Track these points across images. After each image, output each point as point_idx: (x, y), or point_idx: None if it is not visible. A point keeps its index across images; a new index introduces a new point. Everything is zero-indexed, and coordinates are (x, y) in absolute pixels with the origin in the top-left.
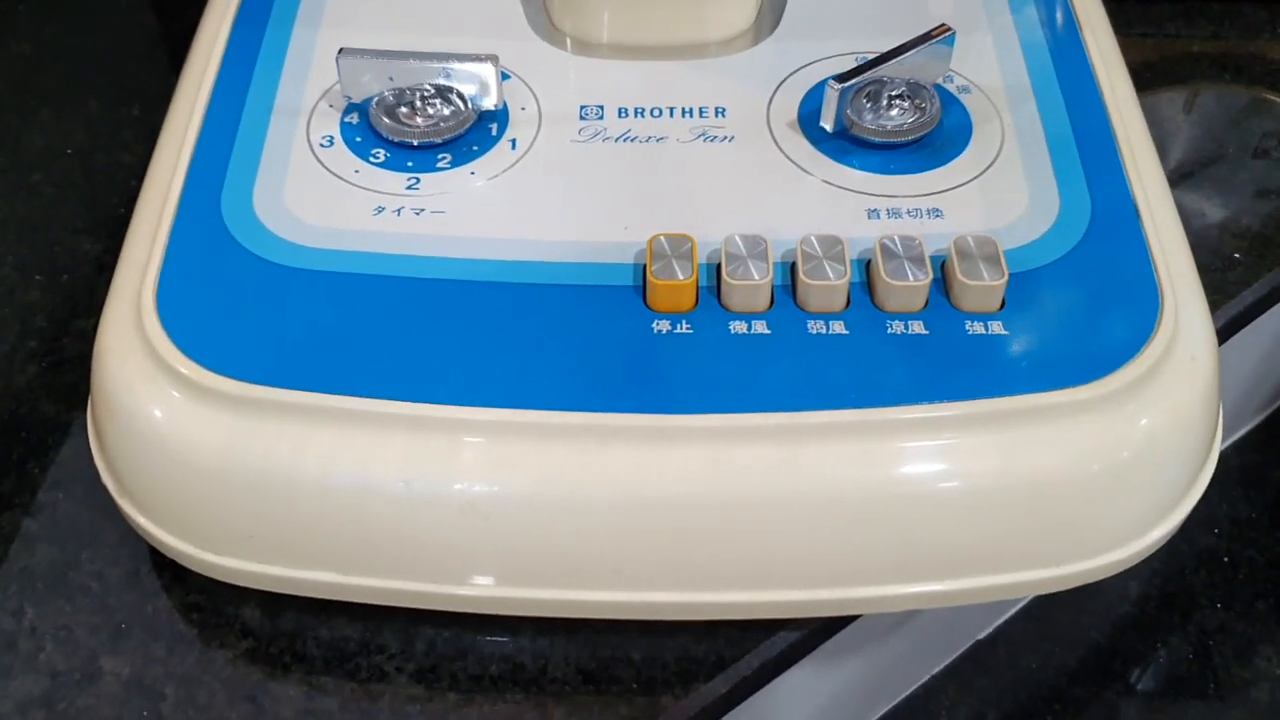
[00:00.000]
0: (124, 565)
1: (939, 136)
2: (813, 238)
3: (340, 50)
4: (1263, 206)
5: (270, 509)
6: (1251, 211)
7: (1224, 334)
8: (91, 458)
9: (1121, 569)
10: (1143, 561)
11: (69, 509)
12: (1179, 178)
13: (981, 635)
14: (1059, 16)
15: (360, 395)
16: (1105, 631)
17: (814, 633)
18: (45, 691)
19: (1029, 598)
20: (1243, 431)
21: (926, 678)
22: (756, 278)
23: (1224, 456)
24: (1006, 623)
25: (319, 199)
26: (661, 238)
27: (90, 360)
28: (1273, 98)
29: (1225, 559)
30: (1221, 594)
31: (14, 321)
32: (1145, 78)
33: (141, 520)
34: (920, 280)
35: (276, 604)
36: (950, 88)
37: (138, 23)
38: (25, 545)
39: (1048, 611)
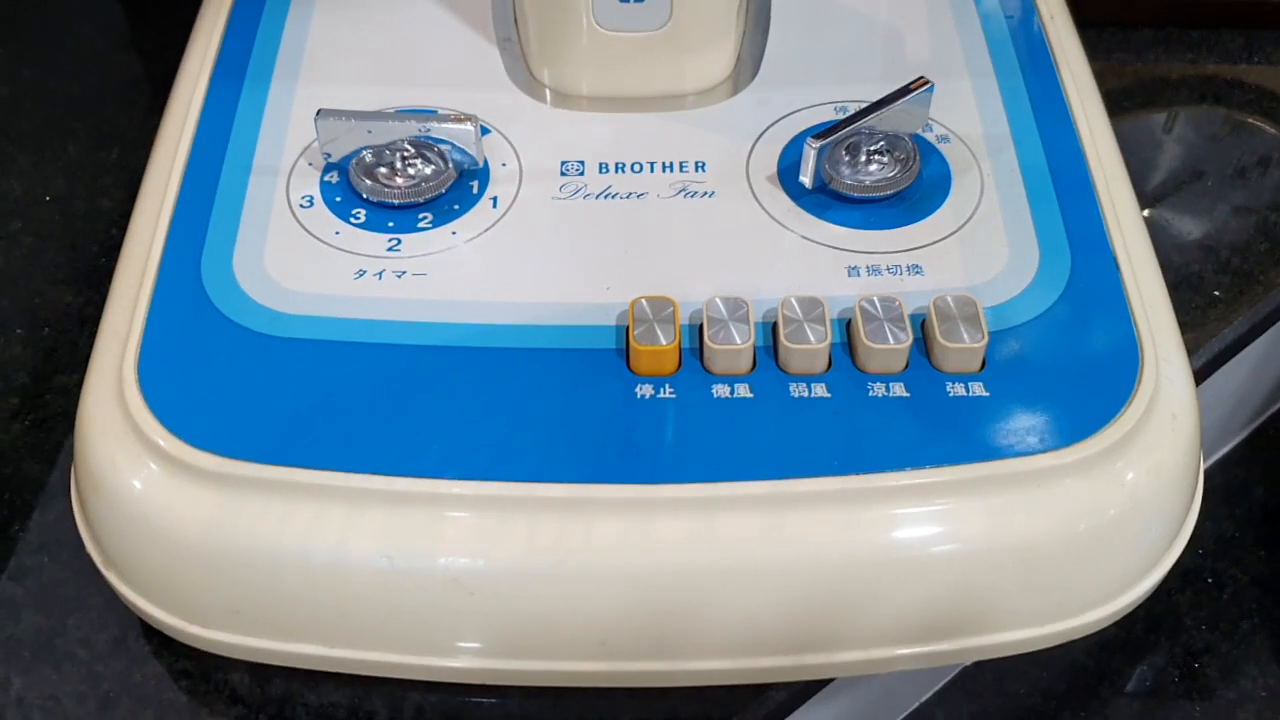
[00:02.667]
0: (111, 631)
1: (918, 189)
2: (793, 300)
3: (318, 111)
4: (1242, 233)
5: (254, 584)
6: (1234, 236)
7: (1205, 371)
8: (74, 523)
9: (1105, 625)
10: None
11: (55, 573)
12: (1159, 202)
13: (968, 662)
14: (1037, 58)
15: (342, 470)
16: (1091, 654)
17: (800, 692)
18: None
19: None
20: (1226, 449)
21: (915, 705)
22: (738, 342)
23: (1208, 474)
24: None
25: (299, 262)
26: (643, 301)
27: (74, 417)
28: (1252, 122)
29: (1209, 579)
30: (1206, 614)
31: None
32: (1125, 104)
33: (127, 592)
34: (901, 343)
35: (265, 670)
36: (929, 137)
37: (116, 64)
38: (11, 612)
39: None
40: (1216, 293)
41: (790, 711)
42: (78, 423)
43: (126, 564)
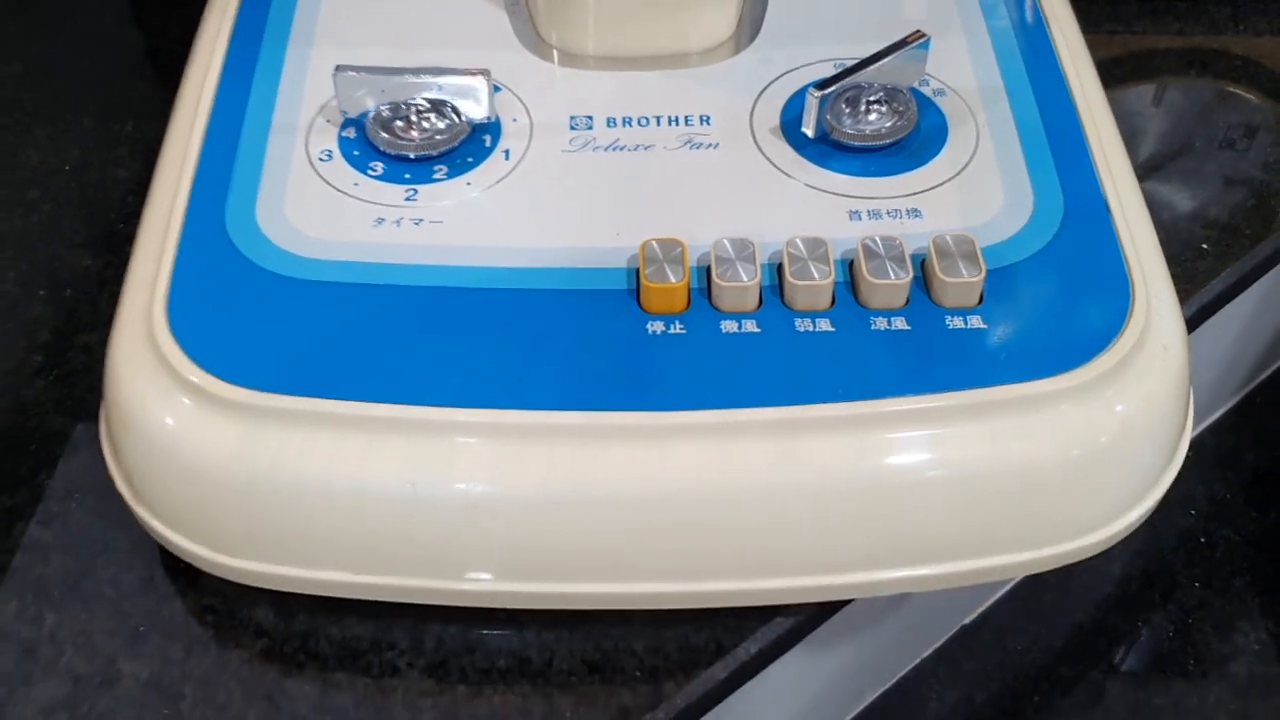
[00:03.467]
0: (138, 571)
1: (916, 139)
2: (798, 240)
3: (336, 68)
4: (1230, 197)
5: (281, 511)
6: (1219, 201)
7: (1195, 321)
8: (100, 469)
9: (1102, 549)
10: (1123, 543)
11: (81, 519)
12: (1149, 169)
13: (969, 619)
14: (1029, 18)
15: (364, 400)
16: (1089, 612)
17: (809, 618)
18: (67, 695)
19: (1014, 581)
20: (1217, 414)
21: (916, 661)
22: (745, 279)
23: (1199, 439)
24: (993, 606)
25: (320, 212)
26: (653, 242)
27: (96, 373)
28: (1238, 91)
29: (1203, 539)
30: (1200, 572)
31: (20, 336)
32: (1115, 73)
33: (156, 526)
34: (901, 279)
35: (289, 605)
36: (926, 91)
37: (123, 40)
38: (40, 555)
39: (1033, 594)
40: (1205, 245)
41: (799, 639)
42: (107, 362)
43: (156, 497)
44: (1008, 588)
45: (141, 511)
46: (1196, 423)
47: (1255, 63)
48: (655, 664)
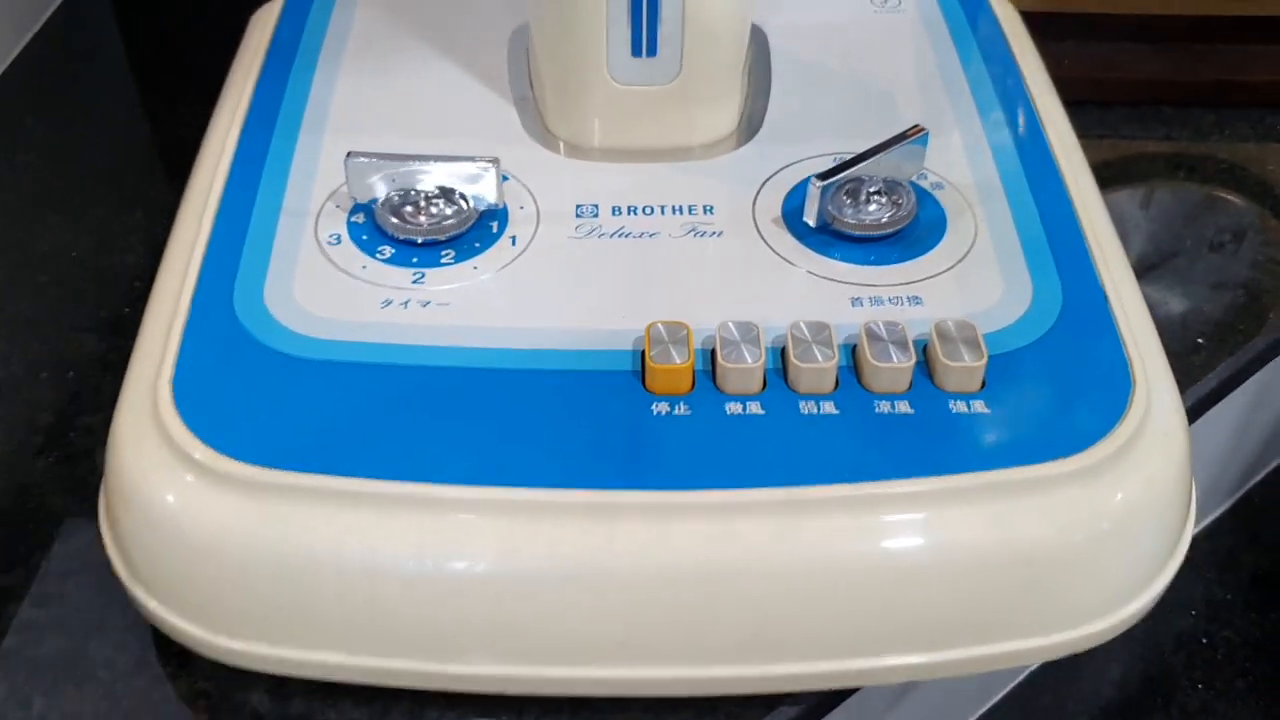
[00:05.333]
0: (132, 652)
1: (916, 229)
2: (801, 323)
3: (347, 154)
4: (1221, 297)
5: (284, 591)
6: (1211, 301)
7: (1192, 415)
8: (97, 550)
9: (1106, 638)
10: (1123, 644)
11: (77, 599)
12: (1141, 270)
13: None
14: (1022, 117)
15: (371, 478)
16: (1089, 715)
17: (811, 708)
18: None
19: (1013, 681)
20: (1213, 516)
21: None
22: (750, 361)
23: (1197, 540)
24: (992, 709)
25: (328, 293)
26: (659, 324)
27: (97, 455)
28: (1225, 195)
29: (1204, 640)
30: (1202, 674)
31: (22, 417)
32: (1104, 176)
33: (155, 606)
34: (904, 362)
35: (285, 689)
36: (924, 184)
37: (136, 133)
38: (34, 636)
39: (1031, 697)
40: (1200, 340)
41: None
42: (110, 437)
43: (155, 576)
44: (1006, 690)
45: (138, 591)
46: (1193, 525)
47: (1241, 167)
48: None
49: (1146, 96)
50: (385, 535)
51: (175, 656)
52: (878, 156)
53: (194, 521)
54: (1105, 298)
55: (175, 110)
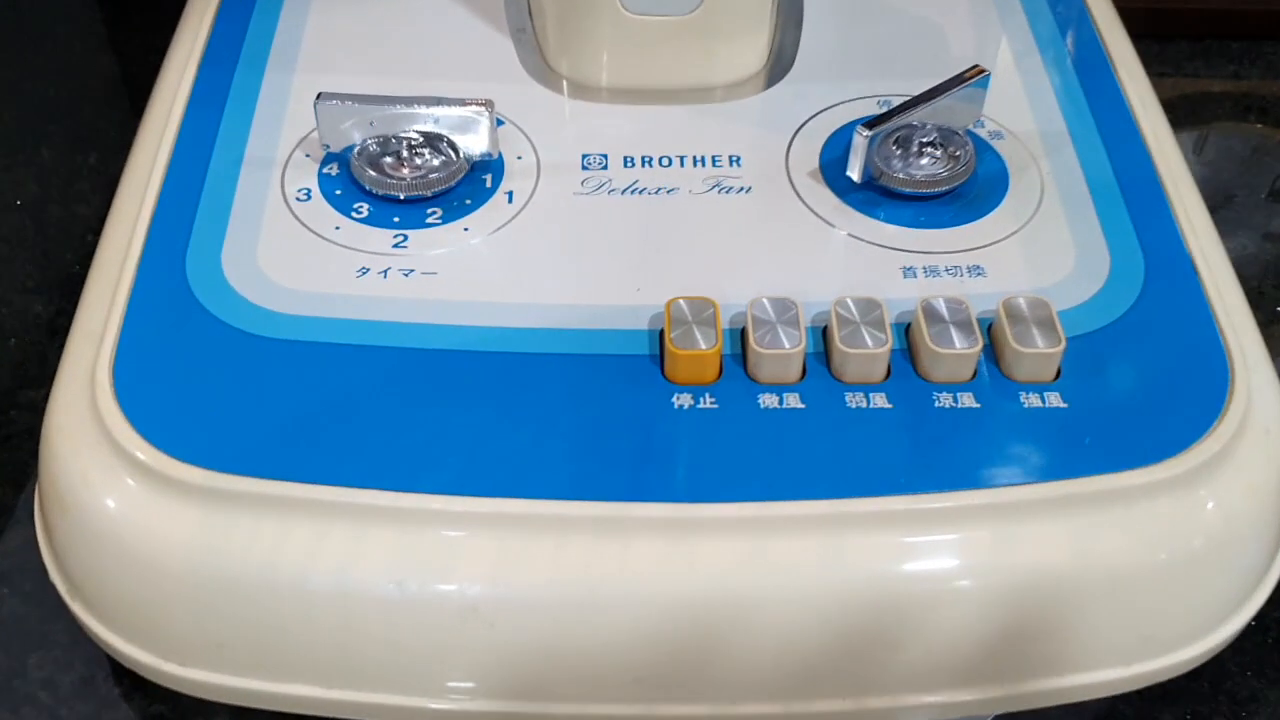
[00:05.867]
0: (77, 671)
1: (973, 187)
2: (848, 300)
3: (318, 95)
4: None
5: (243, 614)
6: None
7: None
8: (39, 550)
9: (1191, 667)
10: None
11: (15, 607)
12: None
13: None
14: (1090, 56)
15: (345, 485)
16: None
17: None
18: None
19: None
20: None
21: None
22: (787, 346)
23: None
24: None
25: (296, 259)
26: (681, 301)
27: (41, 435)
28: None
29: (1253, 623)
30: (1252, 660)
31: None
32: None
33: (96, 626)
34: (969, 348)
35: (248, 716)
36: (982, 133)
37: (95, 64)
38: None
39: None
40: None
41: None
42: (44, 433)
43: (96, 593)
44: None
45: (78, 609)
46: None
47: None
48: None
49: (1211, 29)
50: (360, 554)
51: (126, 676)
52: (933, 102)
53: (136, 532)
54: (1193, 265)
55: (134, 40)
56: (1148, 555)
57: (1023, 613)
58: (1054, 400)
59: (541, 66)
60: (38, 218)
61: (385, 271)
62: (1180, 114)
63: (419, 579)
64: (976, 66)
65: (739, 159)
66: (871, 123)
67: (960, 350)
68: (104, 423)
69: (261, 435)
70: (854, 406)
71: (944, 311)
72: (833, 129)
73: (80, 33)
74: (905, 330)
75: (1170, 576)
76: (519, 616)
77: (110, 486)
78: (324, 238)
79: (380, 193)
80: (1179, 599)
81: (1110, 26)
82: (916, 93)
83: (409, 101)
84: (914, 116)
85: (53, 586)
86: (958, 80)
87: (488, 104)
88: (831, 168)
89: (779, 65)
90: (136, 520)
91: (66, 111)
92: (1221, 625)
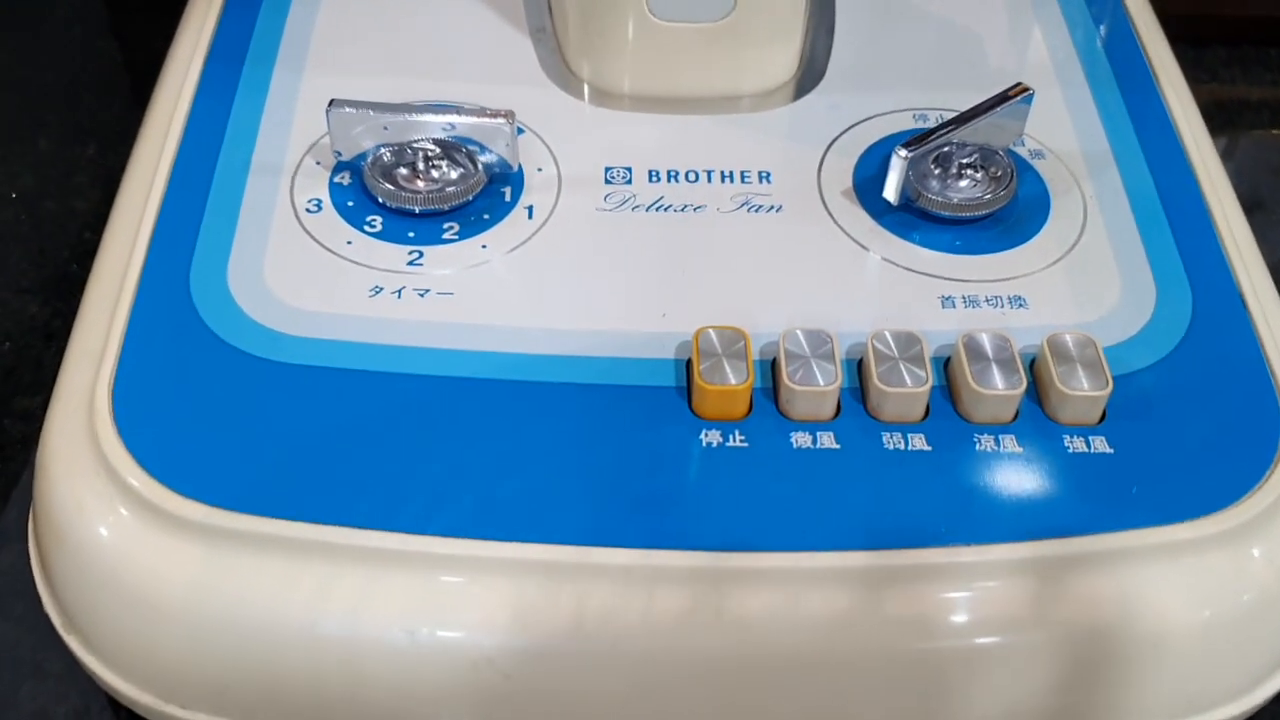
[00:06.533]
0: (72, 702)
1: (1014, 210)
2: (887, 334)
3: (330, 102)
4: None
5: (247, 659)
6: None
7: None
8: (34, 575)
9: None
10: None
11: (6, 632)
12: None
13: None
14: (1133, 67)
15: (354, 525)
16: None
17: None
18: None
19: None
20: None
21: None
22: (822, 383)
23: None
24: None
25: (306, 276)
26: (710, 331)
27: (35, 447)
28: None
29: None
30: None
31: None
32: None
33: (91, 662)
34: (1014, 389)
35: None
36: (1022, 152)
37: (96, 51)
38: None
39: None
40: None
41: None
42: (39, 458)
43: (92, 628)
44: None
45: (74, 643)
46: None
47: None
48: None
49: (1250, 35)
50: (370, 599)
51: (123, 710)
52: (975, 121)
53: (132, 568)
54: (1243, 301)
55: (138, 25)
56: (1195, 612)
57: (1065, 670)
58: (1099, 445)
59: (561, 69)
60: (33, 212)
61: (399, 291)
62: (1217, 122)
63: (431, 627)
64: (1020, 84)
65: (769, 175)
66: (911, 143)
67: (1004, 391)
68: (101, 450)
69: (266, 469)
70: (891, 448)
71: (987, 349)
72: (867, 144)
73: (80, 16)
74: (944, 365)
75: (1217, 633)
76: (536, 669)
77: (106, 518)
78: (335, 253)
79: (394, 206)
80: (1225, 656)
81: (1152, 35)
82: (953, 104)
83: (425, 109)
84: (954, 137)
85: (47, 616)
86: (1001, 98)
87: (509, 115)
88: (866, 187)
89: (810, 74)
90: (133, 555)
91: (65, 99)
92: (1268, 682)
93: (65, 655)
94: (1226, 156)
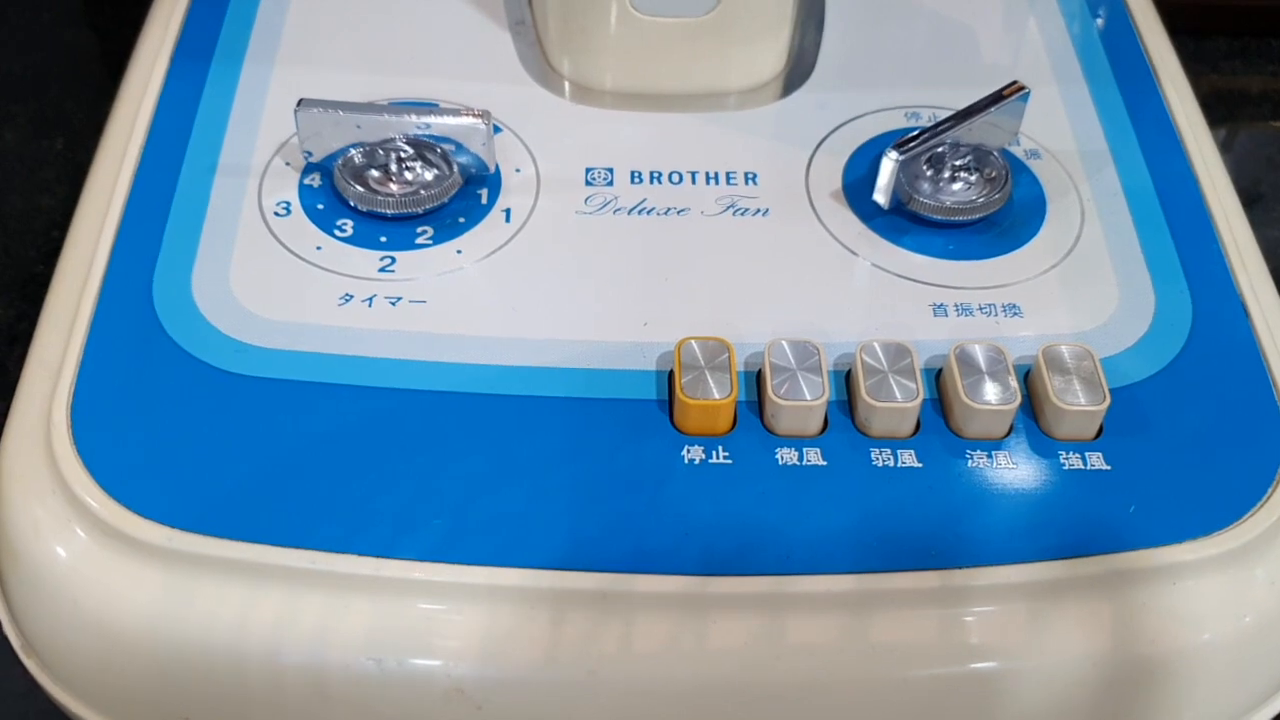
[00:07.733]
0: None
1: (1008, 214)
2: (876, 346)
3: (300, 101)
4: None
5: (209, 686)
6: None
7: None
8: None
9: None
10: None
11: None
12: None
13: None
14: (1132, 63)
15: (322, 549)
16: None
17: None
18: None
19: None
20: None
21: None
22: (809, 397)
23: None
24: None
25: (273, 283)
26: (692, 343)
27: None
28: None
29: None
30: None
31: None
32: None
33: (52, 688)
34: (1007, 404)
35: None
36: (1017, 152)
37: (66, 41)
38: None
39: None
40: None
41: None
42: None
43: (49, 652)
44: None
45: (33, 667)
46: None
47: None
48: None
49: (1252, 26)
50: (336, 626)
51: None
52: (969, 122)
53: (91, 591)
54: (1245, 310)
55: (109, 13)
56: (1194, 635)
57: (1061, 696)
58: (1096, 462)
59: (541, 64)
60: None
61: (370, 299)
62: (1217, 114)
63: (399, 655)
64: (1016, 83)
65: (755, 176)
66: (902, 143)
67: (997, 406)
68: (59, 468)
69: (229, 489)
70: (880, 465)
71: (980, 361)
72: (857, 144)
73: (49, 3)
74: (936, 378)
75: (1218, 657)
76: (509, 699)
77: (63, 539)
78: (304, 259)
79: (365, 209)
80: (1225, 680)
81: (1151, 29)
82: (946, 102)
83: (397, 109)
84: (947, 137)
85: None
86: (995, 98)
87: (485, 113)
88: (855, 189)
89: (798, 70)
90: (91, 578)
91: (32, 90)
92: (1267, 705)
93: (25, 677)
94: (1226, 148)
